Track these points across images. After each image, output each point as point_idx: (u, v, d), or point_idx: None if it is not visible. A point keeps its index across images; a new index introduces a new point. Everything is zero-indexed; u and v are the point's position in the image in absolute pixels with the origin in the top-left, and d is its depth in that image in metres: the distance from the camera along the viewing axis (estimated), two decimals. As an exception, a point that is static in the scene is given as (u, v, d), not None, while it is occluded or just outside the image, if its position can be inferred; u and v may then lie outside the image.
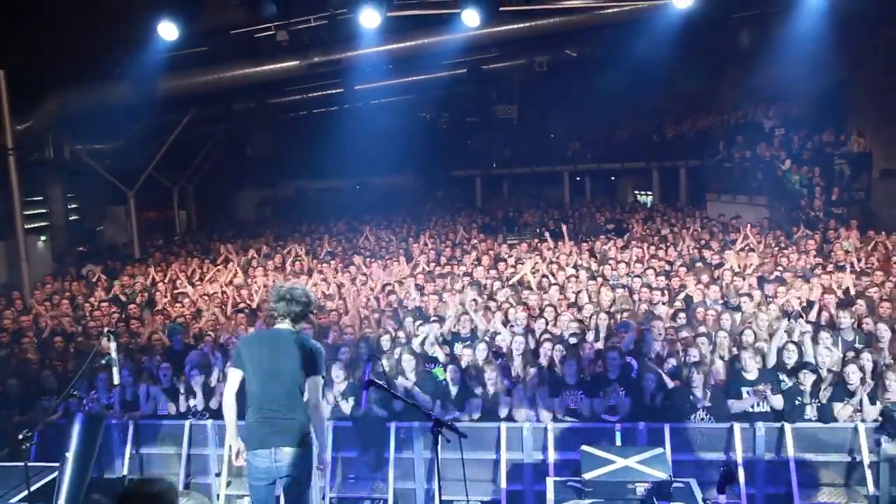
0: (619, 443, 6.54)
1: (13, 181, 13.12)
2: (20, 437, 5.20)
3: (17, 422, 7.38)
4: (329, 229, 18.00)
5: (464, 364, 7.42)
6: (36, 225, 15.66)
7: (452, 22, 11.68)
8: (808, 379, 6.70)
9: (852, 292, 9.11)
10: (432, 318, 8.55)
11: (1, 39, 11.79)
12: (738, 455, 6.45)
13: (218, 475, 7.09)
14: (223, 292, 11.10)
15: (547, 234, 13.84)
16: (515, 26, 12.89)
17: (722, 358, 7.56)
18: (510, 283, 10.69)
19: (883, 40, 15.11)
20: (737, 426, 6.54)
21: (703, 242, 13.09)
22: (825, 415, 6.61)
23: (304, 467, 4.65)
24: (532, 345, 7.86)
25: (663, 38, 12.51)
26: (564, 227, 14.20)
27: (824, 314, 8.26)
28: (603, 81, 18.65)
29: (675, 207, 19.92)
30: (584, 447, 5.73)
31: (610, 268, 11.29)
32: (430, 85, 19.58)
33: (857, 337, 7.74)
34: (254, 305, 10.22)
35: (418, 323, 8.46)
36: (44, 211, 16.02)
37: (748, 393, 6.79)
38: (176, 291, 11.45)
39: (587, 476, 5.37)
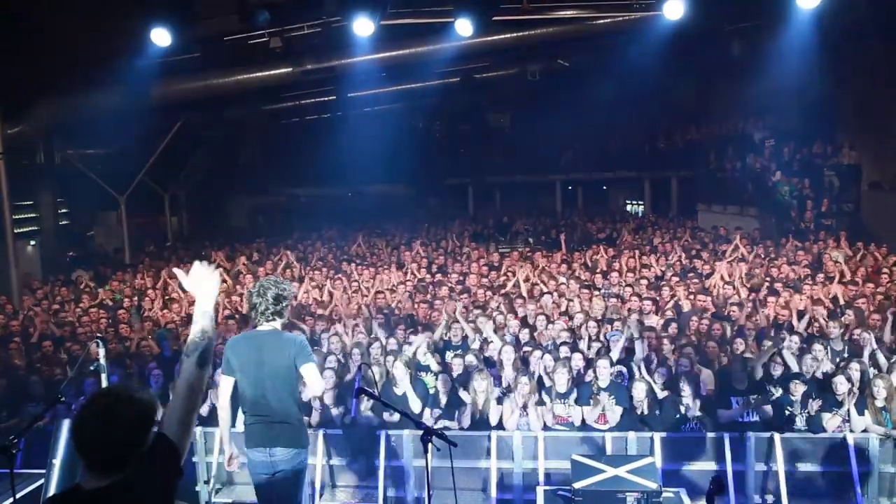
0: (609, 452, 6.54)
1: (3, 186, 13.03)
2: (6, 443, 5.13)
3: (2, 428, 7.32)
4: (321, 237, 17.97)
5: (455, 372, 7.41)
6: (26, 229, 15.59)
7: (445, 31, 11.73)
8: (797, 389, 6.73)
9: (841, 302, 9.17)
10: (423, 326, 8.54)
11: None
12: (728, 465, 6.46)
13: (207, 482, 7.04)
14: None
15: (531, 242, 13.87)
16: (508, 36, 12.95)
17: (712, 368, 7.59)
18: (502, 291, 10.69)
19: (872, 54, 15.26)
20: (726, 436, 6.55)
21: (693, 252, 13.16)
22: (814, 425, 6.63)
23: (297, 464, 4.71)
24: (523, 353, 7.86)
25: (655, 49, 12.59)
26: (563, 236, 14.25)
27: (814, 324, 8.30)
28: (595, 91, 18.73)
29: (667, 217, 20.01)
30: (574, 456, 5.73)
31: (601, 277, 11.33)
32: (423, 93, 19.62)
33: (846, 347, 7.78)
34: (244, 311, 10.18)
35: (409, 331, 8.45)
36: (34, 216, 15.95)
37: (737, 403, 6.80)
38: (166, 297, 11.40)
39: (577, 485, 5.37)
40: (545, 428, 6.85)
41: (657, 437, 6.56)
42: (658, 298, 9.77)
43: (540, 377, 7.37)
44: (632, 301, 9.67)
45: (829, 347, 7.62)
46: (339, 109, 20.08)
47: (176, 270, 3.45)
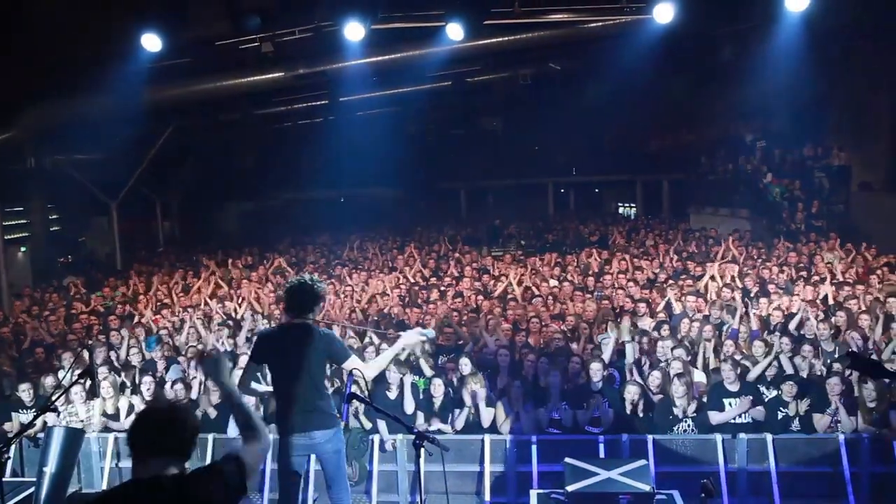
0: (602, 455, 6.54)
1: (-7, 191, 13.00)
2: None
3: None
4: (314, 241, 17.94)
5: (448, 376, 7.40)
6: (16, 235, 15.50)
7: (437, 35, 11.73)
8: (790, 390, 6.75)
9: (831, 302, 9.21)
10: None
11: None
12: (721, 466, 6.47)
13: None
14: (206, 304, 11.01)
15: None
16: (499, 40, 12.96)
17: (704, 369, 7.61)
18: (495, 294, 10.70)
19: (860, 56, 15.37)
20: (719, 437, 6.57)
21: (685, 254, 13.19)
22: (806, 425, 6.66)
23: (336, 442, 5.03)
24: (516, 356, 7.86)
25: (646, 52, 12.62)
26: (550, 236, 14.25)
27: (806, 326, 8.33)
28: (586, 95, 18.80)
29: (659, 220, 20.07)
30: (567, 459, 5.73)
31: (594, 279, 11.35)
32: (415, 97, 19.58)
33: (837, 348, 7.81)
34: (237, 317, 10.15)
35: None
36: (24, 221, 15.86)
37: (730, 404, 6.82)
38: (158, 303, 11.35)
39: (571, 488, 5.36)
40: (538, 431, 6.86)
41: (650, 439, 6.57)
42: (650, 300, 9.78)
43: (533, 380, 7.38)
44: (625, 303, 9.71)
45: (820, 349, 7.66)
46: (331, 114, 20.02)
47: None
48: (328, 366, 5.28)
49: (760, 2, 11.79)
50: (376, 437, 6.90)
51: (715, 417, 6.79)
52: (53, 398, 6.31)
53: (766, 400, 6.88)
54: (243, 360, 7.80)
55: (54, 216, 17.04)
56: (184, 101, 14.43)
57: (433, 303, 10.11)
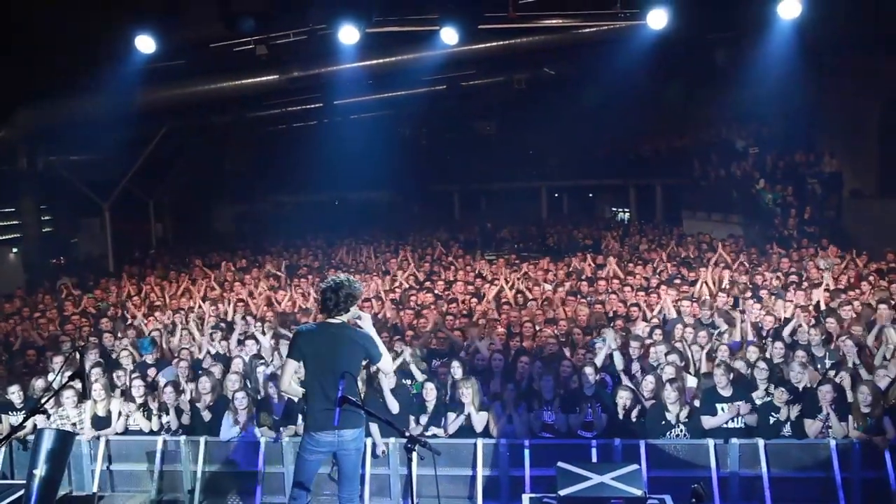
0: (594, 459, 6.55)
1: (-16, 192, 12.92)
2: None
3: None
4: (307, 244, 17.91)
5: (440, 380, 7.40)
6: (8, 237, 15.41)
7: (431, 39, 11.74)
8: (782, 396, 6.78)
9: (822, 308, 9.24)
10: (409, 334, 8.53)
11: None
12: (713, 471, 6.49)
13: (191, 492, 6.99)
14: (199, 307, 10.98)
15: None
16: (494, 44, 13.00)
17: (696, 374, 7.63)
18: (488, 299, 10.70)
19: (851, 63, 15.47)
20: (711, 442, 6.59)
21: (678, 259, 13.22)
22: (797, 431, 6.68)
23: (360, 442, 5.23)
24: (509, 361, 7.87)
25: (639, 57, 12.68)
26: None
27: (799, 332, 8.35)
28: (581, 99, 18.84)
29: (652, 224, 20.12)
30: (560, 464, 5.73)
31: (586, 284, 11.36)
32: (409, 101, 19.62)
33: (828, 354, 7.85)
34: (229, 319, 10.12)
35: (396, 338, 8.43)
36: (16, 222, 15.76)
37: (722, 409, 6.84)
38: (150, 305, 11.30)
39: (563, 493, 5.37)
40: (531, 435, 6.86)
41: (642, 443, 6.58)
42: (643, 305, 9.80)
43: (526, 384, 7.38)
44: (617, 308, 9.72)
45: (812, 354, 7.69)
46: (326, 117, 20.06)
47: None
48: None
49: (753, 10, 11.87)
50: (368, 441, 6.88)
51: (707, 422, 6.81)
52: (43, 400, 6.29)
53: (759, 405, 6.90)
54: (236, 363, 7.83)
55: (47, 217, 16.93)
56: (177, 103, 14.40)
57: (427, 307, 10.10)
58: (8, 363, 8.95)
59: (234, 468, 7.10)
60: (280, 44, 12.29)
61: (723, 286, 10.63)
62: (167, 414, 7.31)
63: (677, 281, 11.20)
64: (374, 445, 6.87)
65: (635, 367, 7.73)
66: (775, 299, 9.57)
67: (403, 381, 7.46)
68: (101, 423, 7.37)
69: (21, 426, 6.38)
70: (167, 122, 16.63)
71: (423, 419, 7.07)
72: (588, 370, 7.11)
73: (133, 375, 7.88)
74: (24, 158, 15.09)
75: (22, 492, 5.81)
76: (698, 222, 18.61)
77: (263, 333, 8.91)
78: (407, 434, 4.42)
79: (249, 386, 7.64)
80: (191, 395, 7.47)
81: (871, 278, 10.53)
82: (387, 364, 5.36)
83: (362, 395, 6.87)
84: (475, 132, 23.32)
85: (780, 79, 13.87)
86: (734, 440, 6.59)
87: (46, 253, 16.26)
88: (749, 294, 9.98)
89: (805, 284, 10.42)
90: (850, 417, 6.64)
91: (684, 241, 15.78)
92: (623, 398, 6.92)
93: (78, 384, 6.94)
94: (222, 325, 9.63)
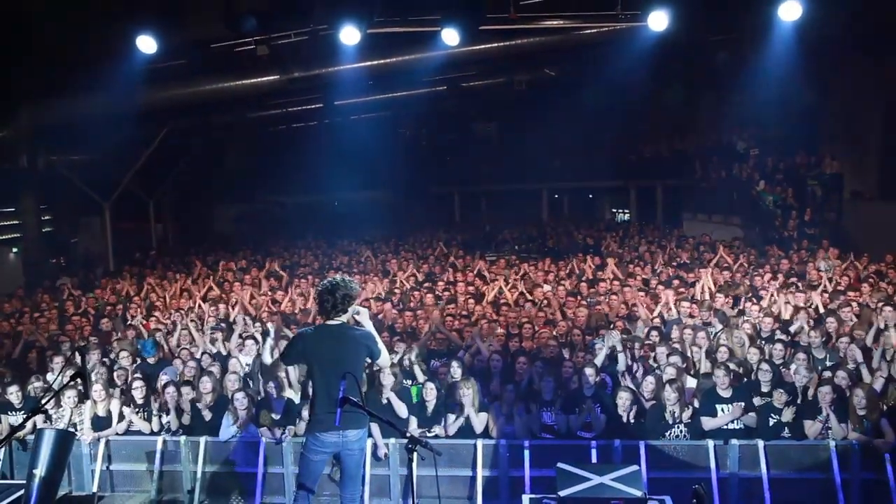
0: (594, 460, 6.55)
1: (-16, 191, 12.92)
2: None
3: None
4: (307, 244, 17.91)
5: (441, 381, 7.40)
6: (8, 237, 15.40)
7: (432, 40, 11.75)
8: (781, 398, 6.78)
9: (821, 310, 9.24)
10: (408, 335, 8.52)
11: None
12: (713, 472, 6.49)
13: (190, 492, 6.98)
14: (199, 307, 10.98)
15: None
16: (495, 45, 13.02)
17: (696, 375, 7.63)
18: (488, 299, 10.70)
19: (851, 65, 15.48)
20: (711, 443, 6.59)
21: (678, 261, 13.22)
22: (796, 432, 6.68)
23: (363, 443, 5.28)
24: (509, 361, 7.86)
25: (641, 59, 12.69)
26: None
27: (799, 333, 8.36)
28: (582, 101, 18.85)
29: (653, 226, 20.13)
30: (560, 464, 5.73)
31: (587, 285, 11.36)
32: (410, 102, 19.65)
33: (828, 355, 7.85)
34: (230, 320, 10.11)
35: (396, 339, 8.44)
36: (16, 222, 15.75)
37: (722, 410, 6.84)
38: (150, 305, 11.30)
39: (563, 493, 5.36)
40: (531, 436, 6.86)
41: (642, 444, 6.58)
42: (643, 307, 9.80)
43: (526, 385, 7.38)
44: (618, 309, 9.72)
45: (811, 356, 7.69)
46: (326, 117, 20.08)
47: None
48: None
49: (753, 11, 11.87)
50: (369, 442, 6.87)
51: (707, 423, 6.81)
52: (44, 400, 6.29)
53: (759, 406, 6.90)
54: (234, 364, 7.83)
55: (47, 217, 16.92)
56: (178, 103, 14.40)
57: (426, 307, 10.10)
58: (7, 363, 8.94)
59: (234, 468, 7.09)
60: (281, 44, 12.31)
61: (722, 287, 10.63)
62: (167, 414, 7.31)
63: (676, 282, 11.21)
64: (374, 447, 6.86)
65: (635, 367, 7.74)
66: (775, 301, 9.57)
67: (405, 381, 7.47)
68: (101, 423, 7.37)
69: (21, 426, 6.37)
70: (168, 122, 16.63)
71: (424, 420, 7.06)
72: (588, 371, 7.11)
73: (134, 375, 7.88)
74: (25, 158, 15.11)
75: (22, 492, 5.80)
76: (699, 224, 18.62)
77: (264, 334, 8.90)
78: (408, 434, 4.42)
79: (250, 386, 7.65)
80: (192, 395, 7.47)
81: (870, 280, 10.53)
82: (384, 359, 5.46)
83: (363, 396, 6.89)
84: (475, 133, 23.37)
85: (781, 81, 13.88)
86: (734, 441, 6.59)
87: (46, 253, 16.25)
88: (748, 295, 9.99)
89: (802, 285, 10.43)
90: (849, 420, 6.64)
91: (684, 242, 15.77)
92: (623, 399, 6.92)
93: (79, 384, 6.95)
94: (222, 325, 9.62)
